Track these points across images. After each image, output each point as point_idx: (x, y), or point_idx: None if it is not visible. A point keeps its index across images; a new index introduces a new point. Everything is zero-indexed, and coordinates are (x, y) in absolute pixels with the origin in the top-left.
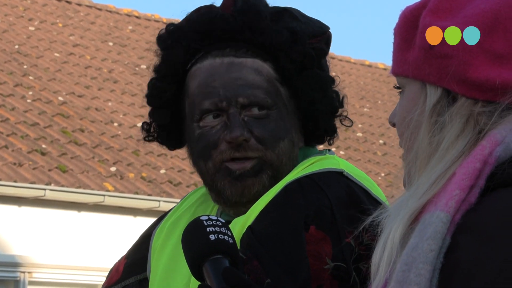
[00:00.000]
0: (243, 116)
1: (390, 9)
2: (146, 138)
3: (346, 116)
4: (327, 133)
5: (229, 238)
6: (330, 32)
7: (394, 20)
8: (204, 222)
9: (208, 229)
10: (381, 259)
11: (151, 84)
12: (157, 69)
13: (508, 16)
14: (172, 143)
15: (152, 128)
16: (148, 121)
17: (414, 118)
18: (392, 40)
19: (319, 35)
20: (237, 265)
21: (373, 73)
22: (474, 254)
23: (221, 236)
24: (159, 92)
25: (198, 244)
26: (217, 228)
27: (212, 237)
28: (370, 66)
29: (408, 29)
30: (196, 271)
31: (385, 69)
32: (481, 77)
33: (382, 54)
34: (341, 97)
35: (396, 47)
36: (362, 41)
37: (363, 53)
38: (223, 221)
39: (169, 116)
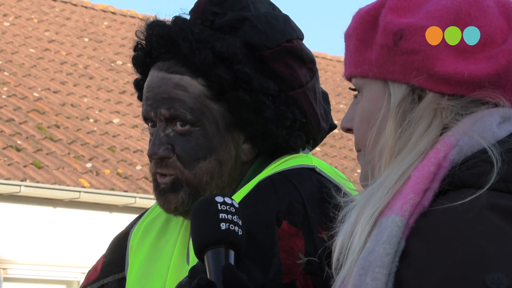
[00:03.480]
0: (169, 131)
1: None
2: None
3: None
4: (287, 147)
5: (239, 229)
6: (293, 42)
7: None
8: (218, 205)
9: (220, 216)
10: (346, 252)
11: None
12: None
13: (467, 12)
14: None
15: None
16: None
17: (379, 117)
18: (344, 44)
19: (272, 47)
20: (240, 257)
21: None
22: (422, 260)
23: (231, 227)
24: (137, 89)
25: (207, 229)
26: (229, 216)
27: (223, 226)
28: None
29: (366, 29)
30: (199, 254)
31: None
32: (449, 70)
33: None
34: (297, 111)
35: (352, 49)
36: (339, 38)
37: (339, 50)
38: (237, 206)
39: None
